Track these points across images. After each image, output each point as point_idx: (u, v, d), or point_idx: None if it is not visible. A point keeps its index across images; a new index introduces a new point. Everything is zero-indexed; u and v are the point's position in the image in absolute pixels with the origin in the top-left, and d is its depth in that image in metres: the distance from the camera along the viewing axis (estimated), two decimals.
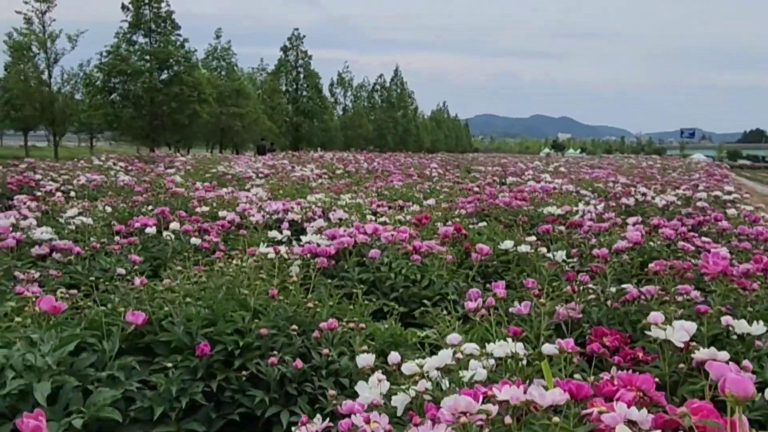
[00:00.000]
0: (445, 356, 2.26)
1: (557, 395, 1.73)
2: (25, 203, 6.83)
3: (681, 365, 2.34)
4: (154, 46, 31.14)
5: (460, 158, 27.28)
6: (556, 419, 1.67)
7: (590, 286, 3.52)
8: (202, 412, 2.78)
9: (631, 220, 5.56)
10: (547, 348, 2.31)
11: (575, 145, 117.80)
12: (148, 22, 31.07)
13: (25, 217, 5.71)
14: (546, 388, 1.84)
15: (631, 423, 1.68)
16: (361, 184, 11.39)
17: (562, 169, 16.67)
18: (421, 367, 2.23)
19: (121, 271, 3.61)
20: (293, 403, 2.80)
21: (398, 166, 16.96)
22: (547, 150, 78.44)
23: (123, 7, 30.71)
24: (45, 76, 31.14)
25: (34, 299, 2.92)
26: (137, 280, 3.22)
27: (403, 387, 2.16)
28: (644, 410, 1.71)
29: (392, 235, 4.48)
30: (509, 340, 2.44)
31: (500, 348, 2.37)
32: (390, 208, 6.95)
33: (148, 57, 30.91)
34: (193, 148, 38.92)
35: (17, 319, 2.75)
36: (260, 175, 12.71)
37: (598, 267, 3.79)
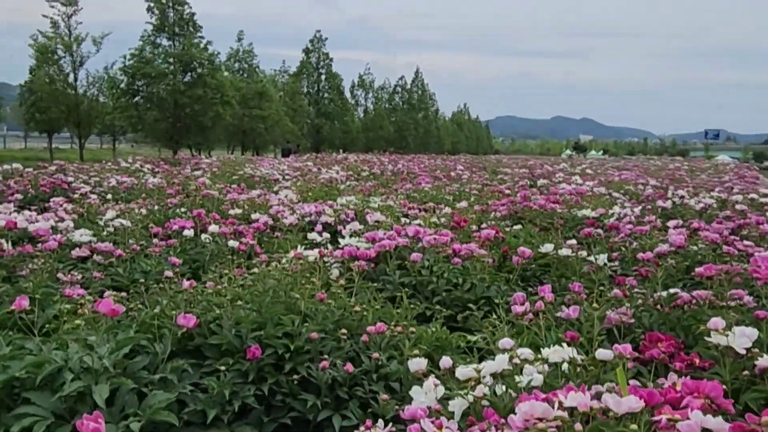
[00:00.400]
0: (501, 361, 2.24)
1: (633, 403, 1.70)
2: (61, 205, 6.89)
3: (745, 372, 2.30)
4: (177, 48, 31.34)
5: (483, 160, 27.19)
6: (634, 426, 1.64)
7: (638, 290, 3.48)
8: (254, 415, 2.79)
9: (671, 223, 5.49)
10: (602, 353, 2.28)
11: (597, 146, 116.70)
12: (173, 26, 31.28)
13: (62, 220, 5.76)
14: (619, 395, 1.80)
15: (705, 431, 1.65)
16: (389, 186, 11.36)
17: (588, 171, 16.54)
18: (478, 371, 2.20)
19: (169, 273, 3.62)
20: (344, 407, 2.80)
21: (423, 168, 16.90)
22: (568, 152, 77.81)
23: (149, 9, 30.93)
24: (71, 79, 31.47)
25: (86, 302, 2.94)
26: (185, 283, 3.23)
27: (461, 392, 2.14)
28: (719, 418, 1.68)
29: (434, 238, 4.45)
30: (564, 345, 2.40)
31: (555, 353, 2.34)
32: (422, 210, 6.92)
33: (171, 60, 31.11)
34: (214, 150, 39.14)
35: (77, 321, 2.77)
36: (287, 177, 12.72)
37: (648, 271, 3.74)
